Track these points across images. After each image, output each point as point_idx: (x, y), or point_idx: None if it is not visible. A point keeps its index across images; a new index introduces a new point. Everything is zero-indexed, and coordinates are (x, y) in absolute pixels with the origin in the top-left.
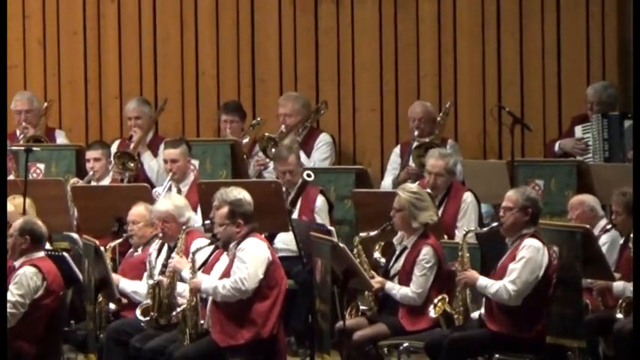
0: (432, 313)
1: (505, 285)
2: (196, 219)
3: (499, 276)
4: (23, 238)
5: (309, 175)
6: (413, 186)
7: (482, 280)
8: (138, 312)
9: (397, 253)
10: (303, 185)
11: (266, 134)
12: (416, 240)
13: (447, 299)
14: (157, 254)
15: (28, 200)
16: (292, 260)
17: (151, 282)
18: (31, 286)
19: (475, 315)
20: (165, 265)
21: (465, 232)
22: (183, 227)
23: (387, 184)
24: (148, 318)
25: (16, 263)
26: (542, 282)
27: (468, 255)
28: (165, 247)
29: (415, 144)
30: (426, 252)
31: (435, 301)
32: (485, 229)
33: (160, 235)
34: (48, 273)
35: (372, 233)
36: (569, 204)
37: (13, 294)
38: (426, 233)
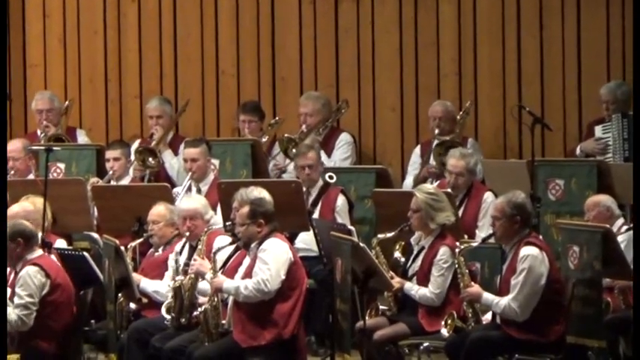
0: (445, 332)
1: (509, 303)
2: (217, 219)
3: (504, 290)
4: (16, 243)
5: (330, 177)
6: (430, 187)
7: (487, 296)
8: (163, 310)
9: (415, 253)
10: (324, 187)
11: (286, 135)
12: (433, 240)
13: (455, 315)
14: (180, 253)
15: (43, 200)
16: (312, 260)
17: (172, 283)
18: (36, 284)
19: (488, 317)
20: (187, 265)
21: (459, 250)
22: (205, 229)
23: (408, 184)
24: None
25: (17, 268)
26: (548, 287)
27: (467, 271)
28: (187, 247)
29: (436, 142)
30: (443, 252)
31: (445, 319)
32: (475, 243)
33: (187, 233)
34: (50, 268)
35: (390, 234)
36: (586, 205)
37: (21, 296)
38: (443, 234)
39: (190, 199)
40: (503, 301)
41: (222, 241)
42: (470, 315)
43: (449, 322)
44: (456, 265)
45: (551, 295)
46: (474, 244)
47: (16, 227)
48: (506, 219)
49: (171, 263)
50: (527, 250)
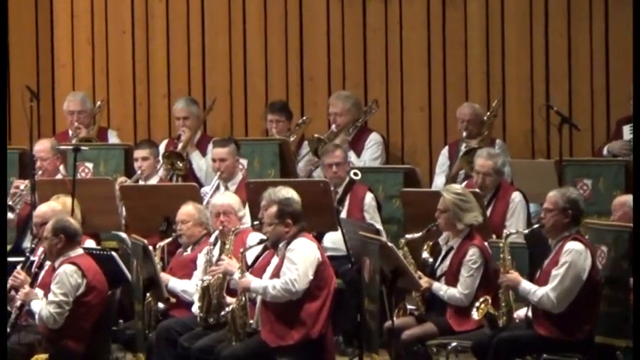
0: (475, 315)
1: (547, 293)
2: (245, 219)
3: (543, 281)
4: (58, 238)
5: (355, 174)
6: (457, 187)
7: (525, 285)
8: (195, 300)
9: (443, 253)
10: (350, 184)
11: (316, 135)
12: (461, 241)
13: (490, 301)
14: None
15: (72, 200)
16: (340, 260)
17: (200, 283)
18: (72, 284)
19: (520, 313)
20: (219, 260)
21: (506, 235)
22: (233, 228)
23: (438, 184)
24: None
25: (56, 264)
26: (587, 285)
27: (509, 257)
28: (219, 244)
29: (463, 149)
30: (472, 253)
31: (478, 303)
32: (526, 230)
33: (221, 228)
34: (87, 270)
35: (417, 235)
36: (612, 205)
37: (55, 294)
38: (472, 234)
39: (224, 196)
40: (541, 291)
41: (256, 238)
42: (503, 305)
43: (481, 306)
44: (500, 246)
45: (588, 294)
46: (525, 232)
47: (60, 223)
48: (559, 211)
49: (200, 261)
50: (573, 245)
